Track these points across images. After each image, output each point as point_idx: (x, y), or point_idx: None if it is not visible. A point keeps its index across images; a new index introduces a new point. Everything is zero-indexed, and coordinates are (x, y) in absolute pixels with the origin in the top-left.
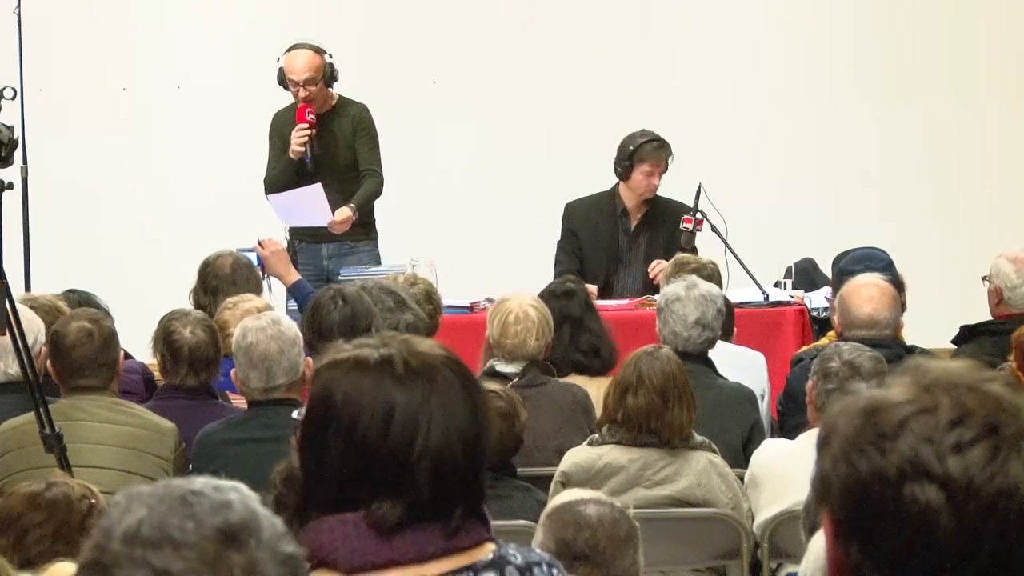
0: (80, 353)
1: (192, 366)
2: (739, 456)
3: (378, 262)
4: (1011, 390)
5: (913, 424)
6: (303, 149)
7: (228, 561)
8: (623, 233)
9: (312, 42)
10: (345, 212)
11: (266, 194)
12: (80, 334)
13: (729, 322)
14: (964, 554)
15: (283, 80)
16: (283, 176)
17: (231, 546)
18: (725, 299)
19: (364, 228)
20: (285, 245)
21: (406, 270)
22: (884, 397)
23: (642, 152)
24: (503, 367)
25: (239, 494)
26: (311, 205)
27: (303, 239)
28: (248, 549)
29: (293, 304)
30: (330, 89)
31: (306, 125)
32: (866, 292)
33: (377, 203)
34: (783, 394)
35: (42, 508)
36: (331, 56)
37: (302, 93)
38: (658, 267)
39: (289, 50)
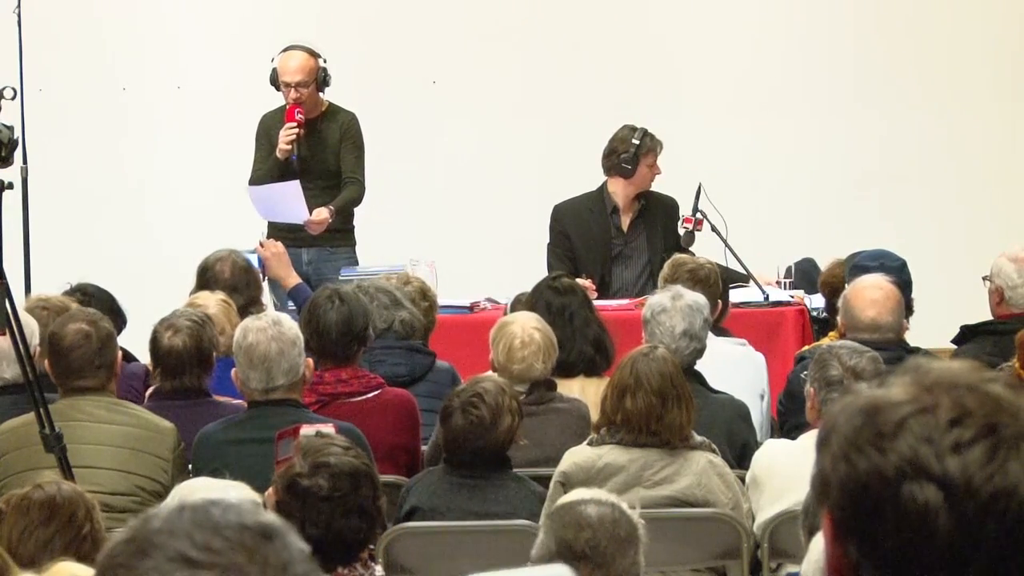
0: (78, 355)
1: (176, 370)
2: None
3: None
4: (1011, 390)
5: (912, 424)
6: (290, 148)
7: (265, 552)
8: (615, 230)
9: (308, 45)
10: (323, 213)
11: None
12: (77, 335)
13: (724, 300)
14: (963, 554)
15: (275, 80)
16: (267, 177)
17: (268, 541)
18: (718, 275)
19: (344, 234)
20: (258, 245)
21: (406, 270)
22: (884, 396)
23: (645, 145)
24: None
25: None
26: (289, 201)
27: (285, 243)
28: (284, 545)
29: (291, 304)
30: (321, 95)
31: (294, 124)
32: (869, 295)
33: (377, 203)
34: (784, 393)
35: (61, 514)
36: (325, 61)
37: (293, 95)
38: None
39: (284, 51)
